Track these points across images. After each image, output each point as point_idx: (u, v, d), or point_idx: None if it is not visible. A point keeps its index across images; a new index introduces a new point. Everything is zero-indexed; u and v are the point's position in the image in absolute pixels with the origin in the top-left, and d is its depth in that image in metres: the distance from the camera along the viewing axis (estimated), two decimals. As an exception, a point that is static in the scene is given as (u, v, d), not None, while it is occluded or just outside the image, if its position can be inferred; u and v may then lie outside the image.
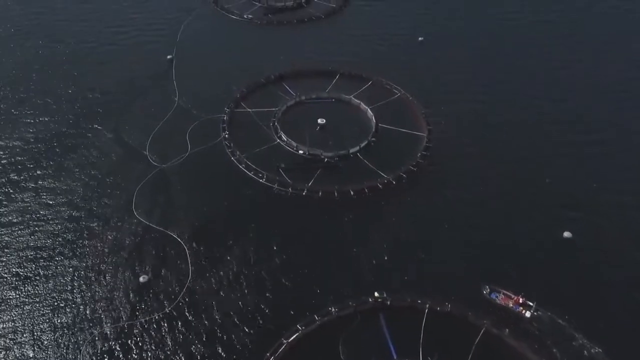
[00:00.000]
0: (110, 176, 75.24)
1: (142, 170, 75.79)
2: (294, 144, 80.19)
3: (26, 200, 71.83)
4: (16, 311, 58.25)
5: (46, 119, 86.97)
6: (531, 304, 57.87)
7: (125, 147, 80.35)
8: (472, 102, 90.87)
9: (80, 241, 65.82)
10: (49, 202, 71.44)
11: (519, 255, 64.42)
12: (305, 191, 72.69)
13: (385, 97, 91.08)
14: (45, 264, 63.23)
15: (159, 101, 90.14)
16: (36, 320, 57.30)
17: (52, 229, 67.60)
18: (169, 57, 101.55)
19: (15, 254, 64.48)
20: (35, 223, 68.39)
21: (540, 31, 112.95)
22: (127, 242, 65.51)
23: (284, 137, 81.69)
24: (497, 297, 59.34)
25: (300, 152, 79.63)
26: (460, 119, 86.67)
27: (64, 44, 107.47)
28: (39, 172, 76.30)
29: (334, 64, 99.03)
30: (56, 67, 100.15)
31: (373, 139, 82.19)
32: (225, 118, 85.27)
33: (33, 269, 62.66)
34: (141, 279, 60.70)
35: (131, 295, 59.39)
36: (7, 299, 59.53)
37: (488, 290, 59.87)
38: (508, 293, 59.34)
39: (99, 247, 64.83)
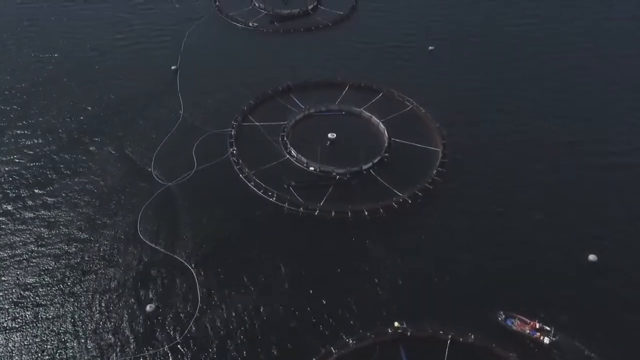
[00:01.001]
0: (113, 196, 72.10)
1: (147, 189, 72.83)
2: (305, 160, 77.29)
3: (21, 228, 67.69)
4: (9, 355, 54.45)
5: (41, 138, 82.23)
6: (548, 328, 55.45)
7: (129, 165, 77.18)
8: (488, 115, 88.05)
9: (82, 266, 62.78)
10: (46, 229, 67.56)
11: (541, 278, 61.60)
12: (317, 211, 69.80)
13: (396, 109, 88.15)
14: (41, 300, 59.15)
15: (164, 115, 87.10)
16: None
17: (50, 256, 63.89)
18: (173, 67, 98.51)
19: (10, 290, 60.27)
20: (32, 252, 64.43)
21: (558, 41, 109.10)
22: (132, 267, 62.56)
23: (293, 153, 78.80)
24: (512, 323, 56.76)
25: (311, 168, 76.75)
26: (475, 132, 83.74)
27: (62, 55, 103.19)
28: (34, 197, 72.10)
29: (342, 74, 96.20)
30: (53, 80, 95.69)
31: (386, 154, 79.27)
32: (232, 133, 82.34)
33: (30, 302, 59.06)
34: (147, 308, 57.70)
35: (137, 327, 56.40)
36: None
37: (503, 316, 57.22)
38: (524, 318, 56.83)
39: (102, 274, 61.80)
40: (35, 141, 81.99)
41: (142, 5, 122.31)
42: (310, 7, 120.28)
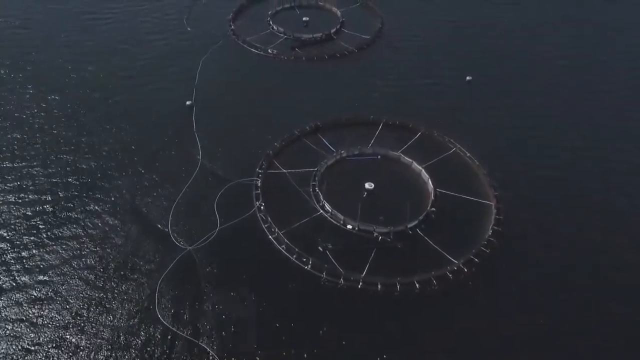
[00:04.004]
0: (123, 265, 62.70)
1: (163, 255, 63.77)
2: (341, 217, 68.31)
3: (9, 311, 57.36)
4: None
5: (34, 195, 71.31)
6: None
7: (141, 225, 67.63)
8: (543, 155, 79.22)
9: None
10: (41, 310, 57.40)
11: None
12: (360, 283, 60.75)
13: (438, 152, 79.22)
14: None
15: (179, 160, 77.82)
16: None
17: (47, 349, 53.77)
18: (187, 103, 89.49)
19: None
20: (22, 349, 53.80)
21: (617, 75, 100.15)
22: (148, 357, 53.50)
23: (327, 208, 69.83)
24: None
25: (349, 227, 67.75)
26: (531, 180, 74.88)
27: (63, 94, 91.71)
28: (27, 266, 62.16)
29: (373, 109, 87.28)
30: (52, 124, 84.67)
31: (432, 209, 70.20)
32: (258, 183, 73.38)
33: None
34: (170, 417, 48.84)
35: None
36: None
37: None
38: None
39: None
40: (26, 199, 71.15)
41: (151, 29, 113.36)
42: (332, 30, 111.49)
